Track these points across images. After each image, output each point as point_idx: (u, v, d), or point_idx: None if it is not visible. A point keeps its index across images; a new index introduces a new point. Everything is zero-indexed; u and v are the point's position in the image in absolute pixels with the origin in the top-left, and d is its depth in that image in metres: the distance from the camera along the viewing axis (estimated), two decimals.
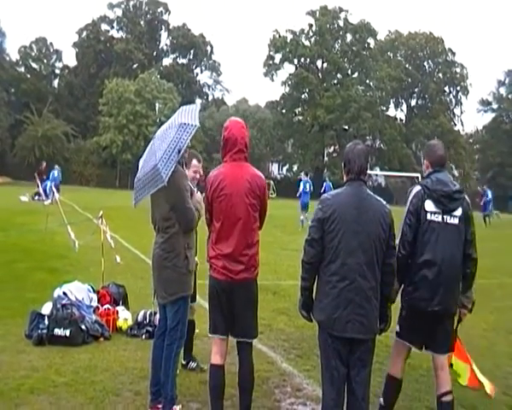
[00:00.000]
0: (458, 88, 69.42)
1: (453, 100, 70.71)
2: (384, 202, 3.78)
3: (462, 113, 71.29)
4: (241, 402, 4.29)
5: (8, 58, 64.99)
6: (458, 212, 4.09)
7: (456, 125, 70.36)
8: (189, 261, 4.51)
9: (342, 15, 64.23)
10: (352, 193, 3.72)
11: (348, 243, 3.61)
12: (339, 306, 3.60)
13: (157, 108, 57.54)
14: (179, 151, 4.35)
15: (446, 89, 70.17)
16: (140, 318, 6.64)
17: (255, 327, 4.31)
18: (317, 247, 3.69)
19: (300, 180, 24.05)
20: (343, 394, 3.71)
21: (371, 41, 65.35)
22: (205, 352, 6.03)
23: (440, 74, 69.22)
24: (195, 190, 4.75)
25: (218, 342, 4.29)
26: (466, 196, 4.19)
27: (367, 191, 3.75)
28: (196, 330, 6.64)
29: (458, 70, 69.00)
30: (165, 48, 75.02)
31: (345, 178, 3.82)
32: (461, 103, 70.28)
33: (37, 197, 27.89)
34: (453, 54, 69.08)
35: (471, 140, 72.86)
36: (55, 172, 30.55)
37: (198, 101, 69.92)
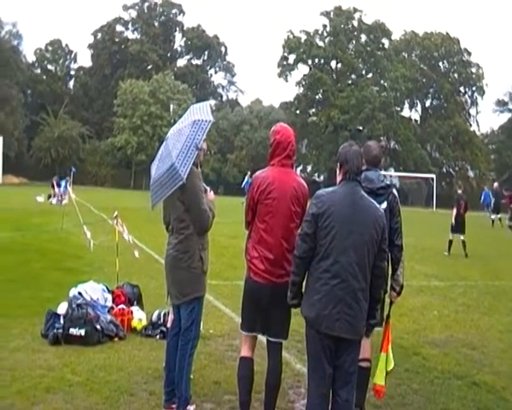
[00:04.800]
0: (474, 88, 68.62)
1: (469, 100, 69.94)
2: (378, 206, 3.80)
3: (477, 113, 70.49)
4: (267, 401, 4.30)
5: (24, 60, 65.65)
6: (383, 205, 4.45)
7: (471, 125, 69.59)
8: (204, 262, 4.50)
9: (356, 16, 64.00)
10: (347, 192, 3.70)
11: (341, 241, 3.59)
12: (329, 303, 3.58)
13: (171, 109, 57.73)
14: (196, 147, 4.32)
15: (462, 89, 69.45)
16: (154, 318, 6.66)
17: (288, 329, 4.37)
18: (310, 242, 3.67)
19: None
20: (329, 393, 3.68)
21: (386, 41, 65.05)
22: (218, 352, 6.04)
23: (456, 74, 68.48)
24: (208, 189, 4.72)
25: (249, 339, 4.37)
26: (394, 191, 4.68)
27: (361, 192, 3.75)
28: (210, 331, 6.69)
29: (474, 70, 68.25)
30: (179, 49, 75.35)
31: (339, 178, 3.80)
32: (476, 104, 69.53)
33: (50, 199, 28.19)
34: (469, 54, 68.38)
35: (487, 140, 72.05)
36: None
37: (212, 101, 70.00)
